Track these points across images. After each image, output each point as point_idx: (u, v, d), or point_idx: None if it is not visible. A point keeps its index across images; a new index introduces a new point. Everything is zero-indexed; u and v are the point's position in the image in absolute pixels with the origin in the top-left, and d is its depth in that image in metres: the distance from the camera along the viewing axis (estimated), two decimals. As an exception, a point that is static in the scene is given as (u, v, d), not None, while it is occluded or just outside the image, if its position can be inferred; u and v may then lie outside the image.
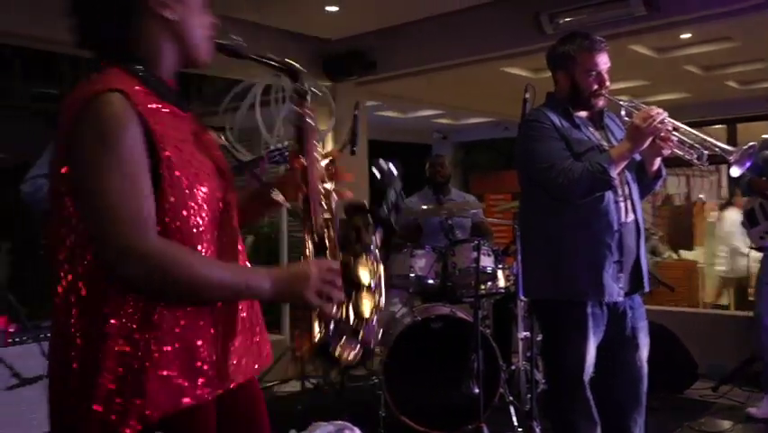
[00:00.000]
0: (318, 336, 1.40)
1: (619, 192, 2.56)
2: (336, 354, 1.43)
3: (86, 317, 1.27)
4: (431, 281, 4.17)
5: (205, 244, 1.34)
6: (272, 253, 6.57)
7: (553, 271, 2.56)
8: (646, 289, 2.64)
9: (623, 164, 2.48)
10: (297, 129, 1.55)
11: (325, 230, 1.49)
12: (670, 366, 4.34)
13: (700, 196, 8.98)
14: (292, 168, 1.54)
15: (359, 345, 1.47)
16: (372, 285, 1.52)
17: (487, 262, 4.03)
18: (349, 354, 1.45)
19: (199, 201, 1.33)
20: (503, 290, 4.20)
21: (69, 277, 1.29)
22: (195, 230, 1.32)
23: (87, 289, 1.27)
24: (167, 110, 1.36)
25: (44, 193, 2.88)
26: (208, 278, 1.29)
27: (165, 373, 1.26)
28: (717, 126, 7.79)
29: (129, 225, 1.23)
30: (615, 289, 2.52)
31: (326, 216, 1.51)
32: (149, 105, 1.31)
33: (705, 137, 2.48)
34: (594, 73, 2.57)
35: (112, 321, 1.25)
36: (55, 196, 1.31)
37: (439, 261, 4.17)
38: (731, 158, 2.42)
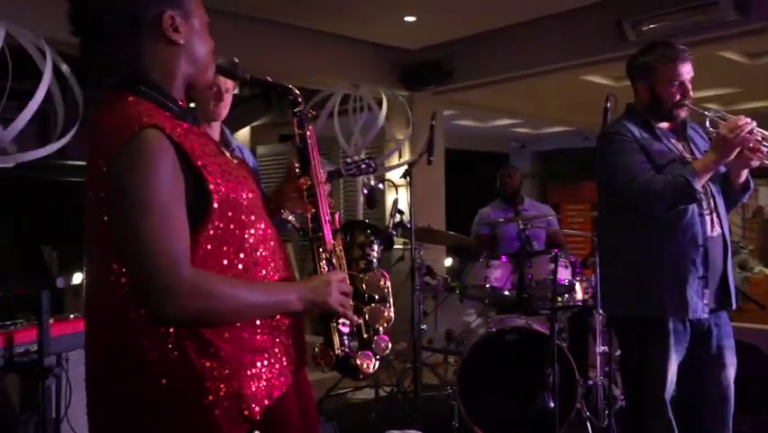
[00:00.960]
0: (339, 349, 1.51)
1: (704, 205, 2.47)
2: (357, 365, 1.52)
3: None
4: (506, 293, 4.12)
5: (262, 248, 1.41)
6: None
7: (634, 286, 2.49)
8: (733, 306, 2.53)
9: (707, 176, 2.39)
10: (299, 150, 1.60)
11: (334, 246, 1.56)
12: (761, 388, 4.13)
13: (795, 208, 8.54)
14: (296, 186, 1.59)
15: (375, 356, 1.55)
16: (381, 298, 1.60)
17: (564, 274, 3.95)
18: (369, 366, 1.54)
19: (245, 206, 1.38)
20: (580, 303, 4.10)
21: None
22: (250, 237, 1.38)
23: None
24: (191, 129, 1.39)
25: None
26: (242, 303, 1.34)
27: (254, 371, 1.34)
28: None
29: (170, 263, 1.26)
30: (699, 305, 2.42)
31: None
32: (178, 129, 1.34)
33: None
34: (676, 83, 2.49)
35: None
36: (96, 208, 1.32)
37: (515, 272, 4.12)
38: None
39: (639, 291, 2.47)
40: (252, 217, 1.40)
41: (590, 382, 3.96)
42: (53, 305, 2.48)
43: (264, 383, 1.35)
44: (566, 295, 4.05)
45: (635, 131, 2.51)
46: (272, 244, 1.45)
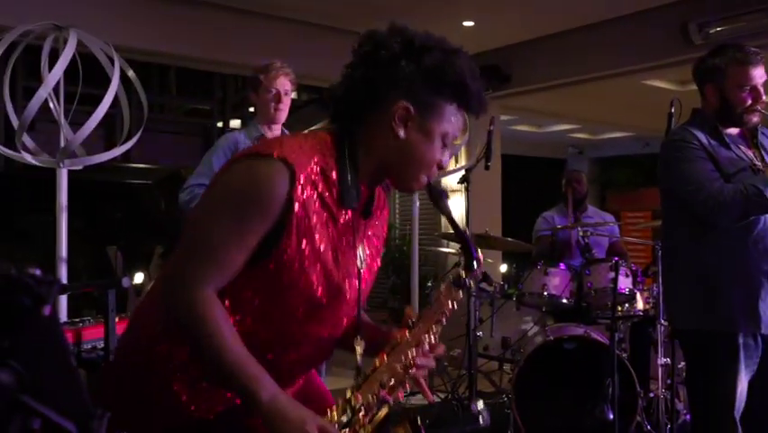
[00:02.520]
0: None
1: (777, 216, 2.37)
2: None
3: None
4: (565, 301, 4.05)
5: (293, 347, 1.40)
6: (402, 268, 6.64)
7: (702, 299, 2.41)
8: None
9: None
10: (432, 311, 1.45)
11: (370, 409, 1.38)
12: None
13: None
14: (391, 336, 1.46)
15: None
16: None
17: (625, 282, 3.86)
18: None
19: (310, 294, 1.35)
20: (641, 313, 4.00)
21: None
22: (291, 323, 1.37)
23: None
24: (327, 204, 1.35)
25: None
26: (218, 356, 1.28)
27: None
28: None
29: (199, 273, 1.30)
30: (772, 320, 2.33)
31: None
32: (311, 189, 1.32)
33: None
34: (747, 87, 2.40)
35: None
36: None
37: (574, 280, 4.05)
38: None
39: (708, 304, 2.39)
40: (308, 312, 1.37)
41: (652, 395, 3.86)
42: (117, 304, 2.55)
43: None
44: (626, 304, 3.96)
45: (703, 138, 2.43)
46: (309, 355, 1.44)
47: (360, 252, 1.43)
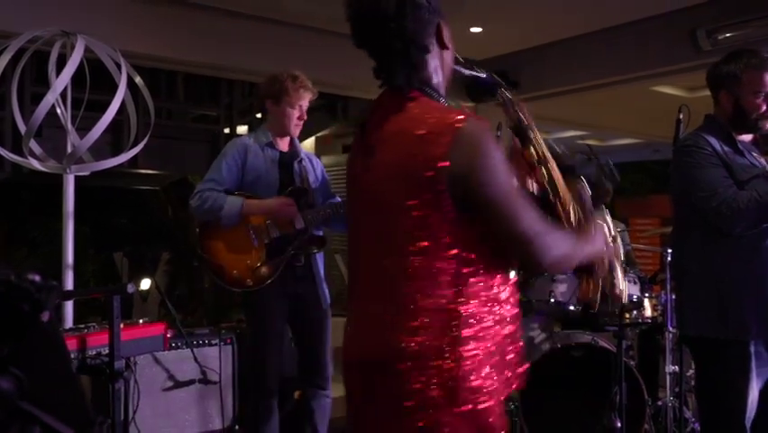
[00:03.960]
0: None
1: (790, 222, 2.35)
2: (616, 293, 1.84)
3: None
4: (572, 308, 4.02)
5: None
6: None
7: (713, 306, 2.38)
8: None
9: None
10: (518, 126, 1.69)
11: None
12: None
13: None
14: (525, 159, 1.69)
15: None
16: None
17: (633, 290, 3.83)
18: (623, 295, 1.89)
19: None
20: (649, 321, 3.97)
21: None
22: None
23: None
24: None
25: (211, 204, 3.06)
26: (578, 252, 1.57)
27: None
28: None
29: (534, 222, 1.48)
30: (783, 328, 2.30)
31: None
32: None
33: None
34: (762, 94, 2.38)
35: None
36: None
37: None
38: None
39: (719, 312, 2.36)
40: None
41: (660, 403, 3.83)
42: (123, 310, 2.55)
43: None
44: (634, 312, 3.93)
45: (716, 144, 2.41)
46: None
47: None
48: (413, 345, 1.40)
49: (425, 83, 1.54)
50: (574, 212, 1.64)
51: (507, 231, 1.44)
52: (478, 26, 5.20)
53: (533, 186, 1.68)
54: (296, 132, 3.23)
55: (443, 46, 1.57)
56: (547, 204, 1.61)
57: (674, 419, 3.66)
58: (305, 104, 3.16)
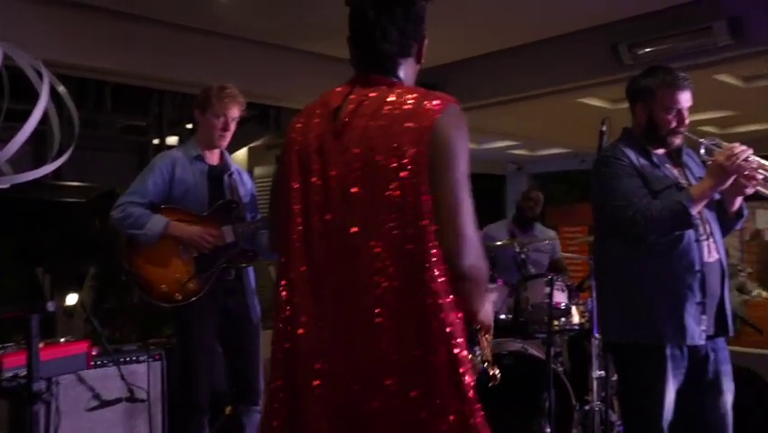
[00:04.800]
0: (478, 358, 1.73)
1: (701, 231, 2.45)
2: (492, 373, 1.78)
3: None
4: (503, 316, 4.10)
5: None
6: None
7: (631, 313, 2.46)
8: (731, 333, 2.51)
9: (703, 203, 2.38)
10: None
11: None
12: (759, 414, 4.09)
13: (793, 231, 8.53)
14: None
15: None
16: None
17: (560, 297, 3.93)
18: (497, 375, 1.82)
19: None
20: (577, 327, 4.08)
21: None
22: None
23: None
24: None
25: (133, 220, 3.00)
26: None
27: None
28: (810, 158, 7.40)
29: (473, 219, 1.53)
30: (697, 332, 2.40)
31: None
32: None
33: None
34: (674, 110, 2.49)
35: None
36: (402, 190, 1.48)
37: (511, 295, 4.10)
38: None
39: (636, 318, 2.45)
40: None
41: (587, 408, 3.93)
42: (45, 328, 2.46)
43: None
44: (563, 319, 4.02)
45: (632, 155, 2.50)
46: None
47: None
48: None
49: (401, 81, 1.63)
50: None
51: (447, 216, 1.46)
52: (409, 38, 5.25)
53: None
54: (221, 142, 3.19)
55: (418, 59, 1.68)
56: None
57: (601, 422, 3.75)
58: (230, 114, 3.13)
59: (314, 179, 1.56)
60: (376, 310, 1.43)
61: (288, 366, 1.52)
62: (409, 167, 1.45)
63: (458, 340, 1.45)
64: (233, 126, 3.17)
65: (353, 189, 1.50)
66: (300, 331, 1.51)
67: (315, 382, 1.47)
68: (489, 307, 1.66)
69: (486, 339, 1.72)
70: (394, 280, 1.44)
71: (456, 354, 1.44)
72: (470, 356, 1.51)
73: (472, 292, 1.53)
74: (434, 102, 1.51)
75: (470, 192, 1.51)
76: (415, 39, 1.63)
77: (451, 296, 1.46)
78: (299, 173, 1.58)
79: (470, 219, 1.48)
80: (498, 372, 1.75)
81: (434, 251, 1.44)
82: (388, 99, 1.53)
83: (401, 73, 1.63)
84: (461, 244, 1.46)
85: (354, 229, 1.49)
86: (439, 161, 1.47)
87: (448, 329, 1.43)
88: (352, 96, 1.59)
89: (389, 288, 1.44)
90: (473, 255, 1.47)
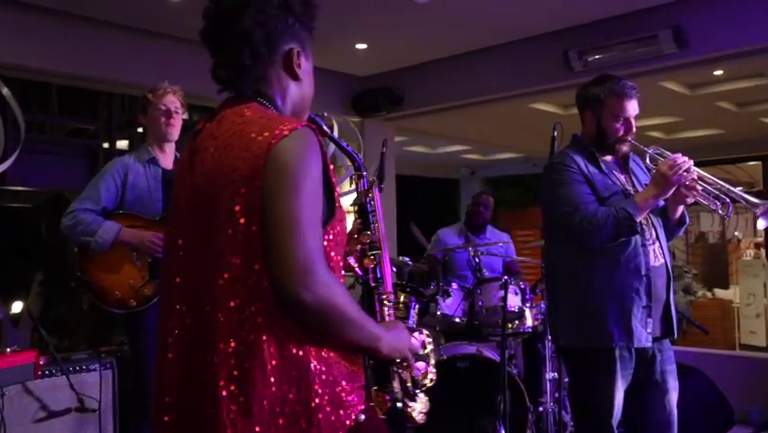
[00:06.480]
0: (395, 394, 1.49)
1: (647, 236, 2.52)
2: (409, 412, 1.53)
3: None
4: (457, 320, 4.12)
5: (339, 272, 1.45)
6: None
7: (580, 317, 2.51)
8: (675, 335, 2.58)
9: (647, 210, 2.45)
10: (361, 207, 1.69)
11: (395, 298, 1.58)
12: (704, 411, 4.21)
13: (736, 233, 8.81)
14: (357, 241, 1.66)
15: (420, 411, 1.57)
16: (424, 357, 1.63)
17: (514, 300, 3.98)
18: (417, 416, 1.55)
19: (340, 237, 1.44)
20: (530, 330, 4.13)
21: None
22: (336, 265, 1.43)
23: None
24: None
25: (84, 227, 2.94)
26: (357, 318, 1.37)
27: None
28: (752, 163, 7.67)
29: (315, 253, 1.31)
30: (643, 334, 2.46)
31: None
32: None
33: (731, 187, 2.44)
34: (621, 119, 2.55)
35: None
36: (229, 218, 1.35)
37: (466, 299, 4.13)
38: (757, 211, 2.39)
39: (585, 322, 2.50)
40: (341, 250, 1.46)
41: (541, 409, 3.98)
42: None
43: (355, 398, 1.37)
44: (516, 322, 4.07)
45: (581, 162, 2.55)
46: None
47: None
48: None
49: (264, 97, 1.48)
50: (387, 310, 1.59)
51: (279, 247, 1.30)
52: (363, 43, 5.27)
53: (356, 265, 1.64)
54: (170, 132, 3.17)
55: (292, 75, 1.51)
56: (367, 288, 1.60)
57: (554, 423, 3.81)
58: (170, 104, 3.14)
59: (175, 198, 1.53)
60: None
61: None
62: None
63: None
64: (177, 117, 3.17)
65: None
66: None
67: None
68: (397, 335, 1.48)
69: (402, 373, 1.52)
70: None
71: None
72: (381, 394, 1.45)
73: (325, 326, 1.34)
74: (276, 130, 1.35)
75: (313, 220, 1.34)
76: (264, 44, 1.46)
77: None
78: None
79: (314, 246, 1.31)
80: (421, 408, 1.56)
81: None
82: (235, 124, 1.42)
83: (266, 88, 1.50)
84: (299, 278, 1.29)
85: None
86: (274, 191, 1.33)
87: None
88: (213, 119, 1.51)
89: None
90: (319, 288, 1.29)
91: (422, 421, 1.56)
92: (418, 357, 1.59)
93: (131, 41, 4.72)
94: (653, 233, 2.55)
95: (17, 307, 5.38)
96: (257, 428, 1.29)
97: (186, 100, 3.24)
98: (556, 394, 3.77)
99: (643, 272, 2.47)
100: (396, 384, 1.49)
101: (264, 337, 1.30)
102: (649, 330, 2.48)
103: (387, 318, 1.58)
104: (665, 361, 2.57)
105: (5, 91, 3.46)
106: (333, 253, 1.39)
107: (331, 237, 1.39)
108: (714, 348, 6.09)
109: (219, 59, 1.51)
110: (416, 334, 1.63)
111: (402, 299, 1.62)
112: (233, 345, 1.31)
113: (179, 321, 1.42)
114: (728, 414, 4.50)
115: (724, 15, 4.31)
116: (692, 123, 6.74)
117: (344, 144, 1.75)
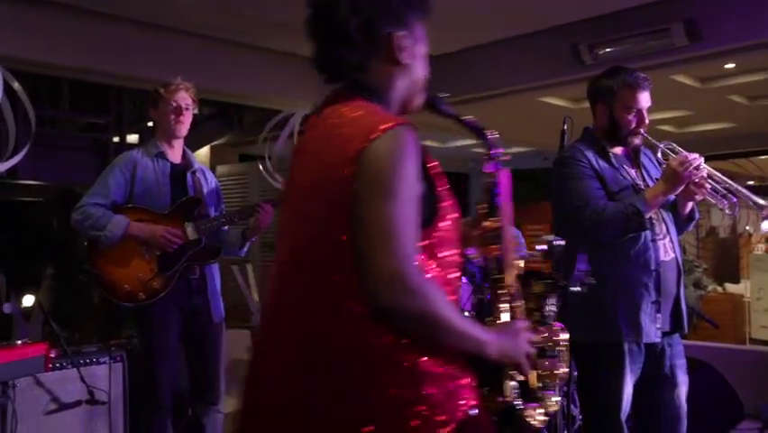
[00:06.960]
0: (508, 397, 1.41)
1: (657, 231, 2.51)
2: (523, 416, 1.42)
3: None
4: (467, 314, 4.12)
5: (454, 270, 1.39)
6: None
7: (590, 312, 2.49)
8: (685, 330, 2.57)
9: (657, 206, 2.44)
10: (490, 192, 1.61)
11: (515, 291, 1.50)
12: (713, 406, 4.20)
13: (747, 227, 8.75)
14: (482, 228, 1.59)
15: (543, 411, 1.46)
16: (556, 353, 1.55)
17: (524, 294, 3.97)
18: (536, 419, 1.44)
19: (449, 232, 1.37)
20: (541, 324, 4.13)
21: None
22: (444, 262, 1.36)
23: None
24: None
25: (93, 221, 2.96)
26: (457, 325, 1.30)
27: None
28: (763, 157, 7.61)
29: (407, 262, 1.25)
30: (652, 330, 2.46)
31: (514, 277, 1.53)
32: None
33: (739, 187, 2.44)
34: (634, 110, 2.54)
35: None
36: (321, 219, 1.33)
37: (476, 293, 4.13)
38: (764, 213, 2.37)
39: (595, 317, 2.49)
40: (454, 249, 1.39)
41: (550, 402, 3.98)
42: (1, 330, 2.41)
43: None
44: (526, 316, 4.06)
45: (591, 156, 2.54)
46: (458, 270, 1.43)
47: None
48: None
49: (368, 89, 1.43)
50: (506, 305, 1.49)
51: (368, 257, 1.25)
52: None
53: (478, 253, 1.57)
54: (179, 129, 3.17)
55: (394, 60, 1.44)
56: (488, 277, 1.53)
57: (563, 416, 3.81)
58: (181, 100, 3.14)
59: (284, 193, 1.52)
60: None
61: None
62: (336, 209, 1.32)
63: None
64: (187, 114, 3.17)
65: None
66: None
67: None
68: (509, 339, 1.40)
69: (511, 379, 1.41)
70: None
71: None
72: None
73: (421, 335, 1.28)
74: (378, 126, 1.32)
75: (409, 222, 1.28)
76: (359, 32, 1.41)
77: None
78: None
79: (395, 256, 1.24)
80: (545, 409, 1.45)
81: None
82: (333, 123, 1.39)
83: (368, 78, 1.45)
84: (379, 287, 1.25)
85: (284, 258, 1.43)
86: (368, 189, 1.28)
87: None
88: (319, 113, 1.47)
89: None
90: (393, 294, 1.24)
91: (541, 425, 1.45)
92: (543, 355, 1.51)
93: (141, 36, 4.73)
94: (664, 228, 2.54)
95: (28, 300, 5.42)
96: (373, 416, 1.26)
97: (196, 96, 3.24)
98: (565, 388, 3.76)
99: (652, 267, 2.46)
100: (511, 385, 1.41)
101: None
102: (658, 325, 2.47)
103: (504, 316, 1.49)
104: (675, 355, 2.56)
105: (16, 86, 3.48)
106: (438, 251, 1.34)
107: (436, 235, 1.34)
108: (724, 343, 6.06)
109: (317, 49, 1.47)
110: (541, 328, 1.55)
111: (536, 290, 1.47)
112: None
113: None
114: (738, 408, 4.48)
115: (736, 8, 4.27)
116: (704, 116, 6.68)
117: (473, 123, 1.66)
